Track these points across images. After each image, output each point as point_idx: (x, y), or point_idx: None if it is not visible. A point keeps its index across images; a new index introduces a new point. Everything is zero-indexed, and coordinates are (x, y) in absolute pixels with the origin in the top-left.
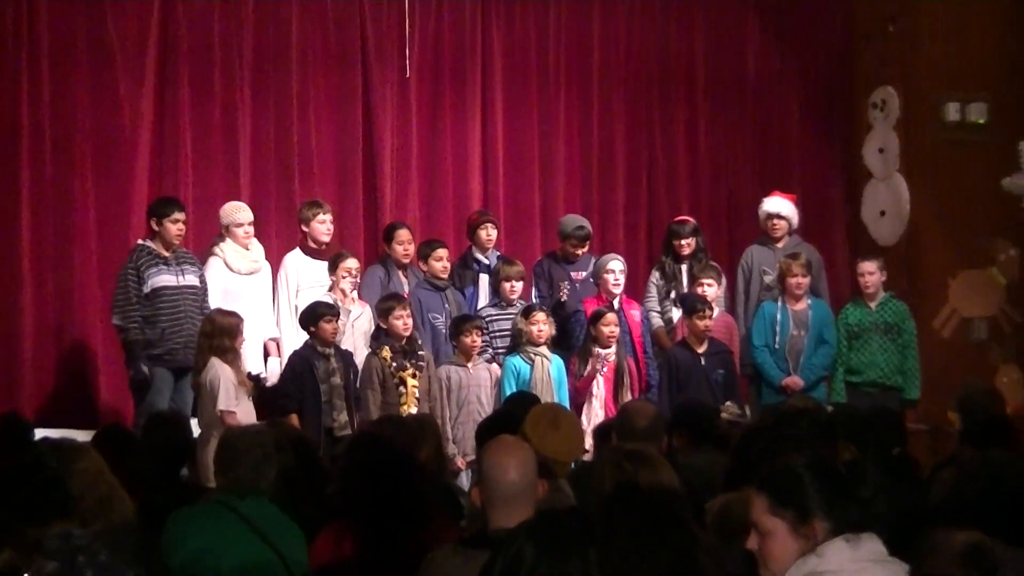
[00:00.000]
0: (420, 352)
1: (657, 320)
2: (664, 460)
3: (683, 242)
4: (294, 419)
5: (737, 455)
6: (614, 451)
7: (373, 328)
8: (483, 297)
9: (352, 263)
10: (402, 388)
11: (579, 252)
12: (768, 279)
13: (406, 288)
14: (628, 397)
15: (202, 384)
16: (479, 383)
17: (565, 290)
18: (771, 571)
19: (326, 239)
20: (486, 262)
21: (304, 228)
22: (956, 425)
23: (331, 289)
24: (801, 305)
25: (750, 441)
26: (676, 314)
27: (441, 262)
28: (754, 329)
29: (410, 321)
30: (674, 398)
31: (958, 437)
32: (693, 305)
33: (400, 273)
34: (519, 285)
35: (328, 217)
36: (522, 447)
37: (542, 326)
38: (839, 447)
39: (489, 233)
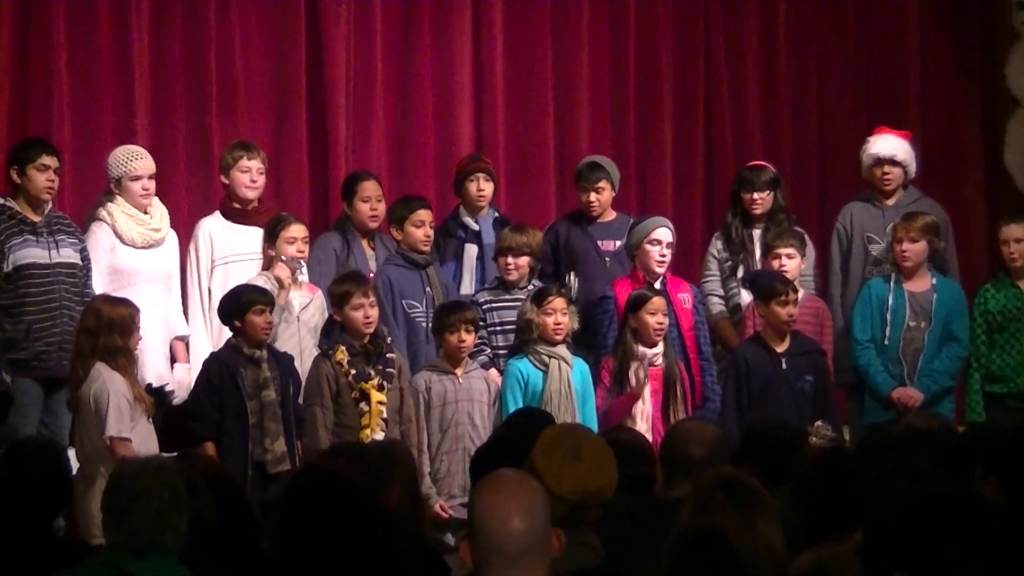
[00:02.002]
0: (389, 355)
1: (719, 307)
2: (772, 505)
3: (756, 197)
4: (211, 449)
5: (829, 495)
6: (711, 479)
7: (324, 321)
8: (467, 276)
9: (297, 230)
10: (364, 405)
11: (592, 203)
12: (875, 249)
13: (372, 265)
14: (681, 414)
15: (83, 400)
16: (471, 397)
17: (573, 282)
18: None
19: (254, 194)
20: (474, 227)
21: (225, 181)
22: None
23: (266, 267)
24: (922, 285)
25: (848, 476)
26: (746, 298)
27: (422, 228)
28: (856, 318)
29: (375, 311)
30: (743, 416)
31: None
32: (771, 286)
33: (364, 243)
34: (521, 262)
35: (258, 164)
36: (530, 486)
37: (560, 317)
38: (976, 483)
39: (480, 187)
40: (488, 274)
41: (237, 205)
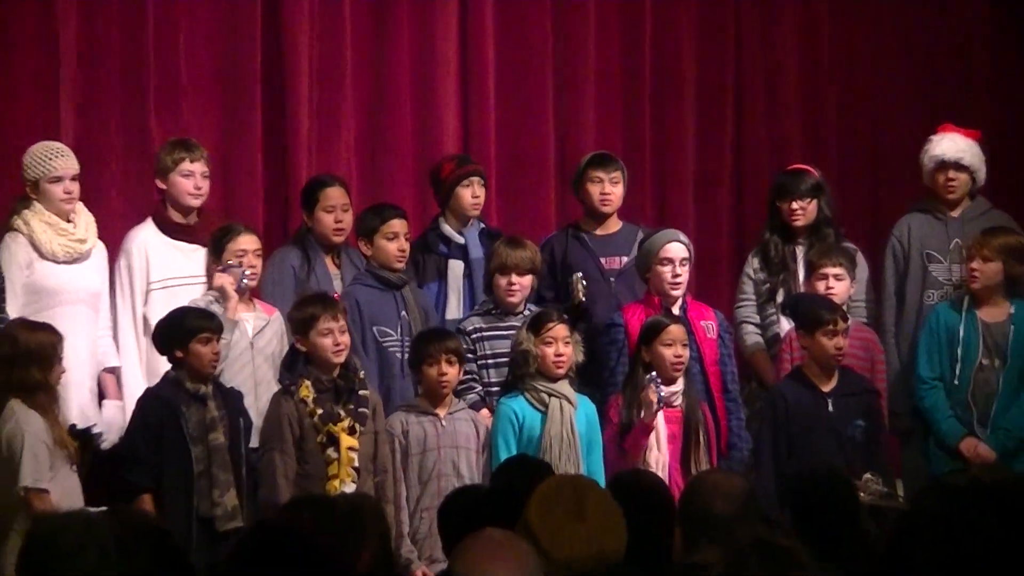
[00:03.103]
0: (363, 392)
1: (755, 337)
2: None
3: (796, 206)
4: (148, 502)
5: (883, 561)
6: (744, 542)
7: (284, 351)
8: (455, 299)
9: (247, 241)
10: (332, 451)
11: (608, 195)
12: (936, 270)
13: (337, 285)
14: (704, 464)
15: None
16: (456, 442)
17: (580, 285)
18: None
19: (197, 203)
20: (459, 240)
21: (162, 186)
22: None
23: (212, 287)
24: (997, 314)
25: (904, 539)
26: (786, 327)
27: (396, 241)
28: (921, 352)
29: (346, 338)
30: (780, 466)
31: None
32: (816, 313)
33: (327, 260)
34: (525, 281)
35: (202, 167)
36: (521, 549)
37: (562, 347)
38: None
39: (476, 192)
40: (476, 296)
41: (176, 217)
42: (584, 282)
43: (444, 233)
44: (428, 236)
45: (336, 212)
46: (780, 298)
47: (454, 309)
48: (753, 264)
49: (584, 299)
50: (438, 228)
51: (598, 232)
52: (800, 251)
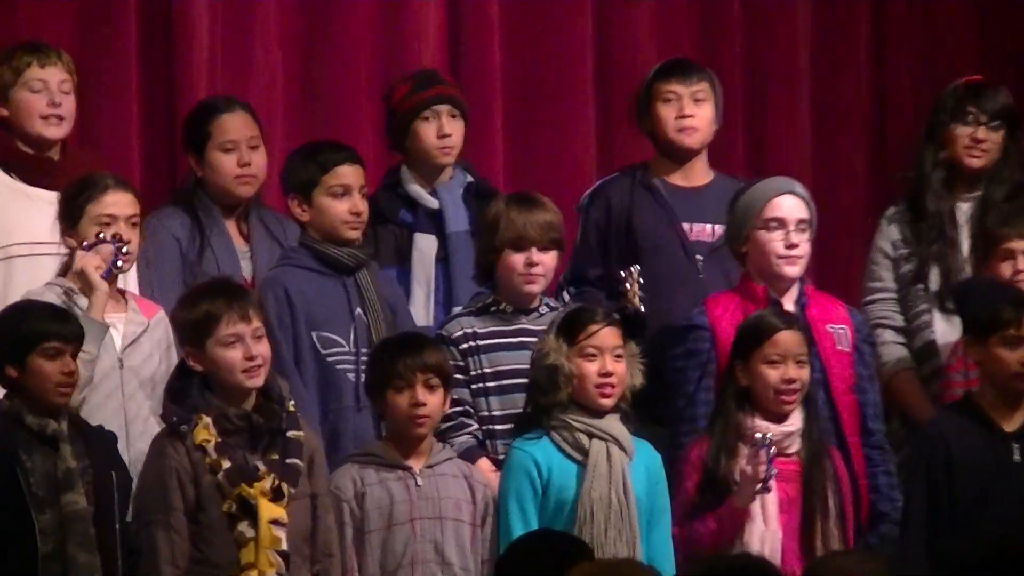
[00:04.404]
0: (293, 433)
1: (896, 347)
2: None
3: (980, 136)
4: None
5: None
6: None
7: (172, 368)
8: (420, 291)
9: (117, 201)
10: (246, 525)
11: (689, 117)
12: None
13: (247, 267)
14: (834, 542)
15: None
16: (441, 511)
17: (635, 275)
18: None
19: (57, 130)
20: (430, 203)
21: (3, 112)
22: None
23: (64, 272)
24: None
25: None
26: (944, 330)
27: (347, 199)
28: None
29: (264, 350)
30: (940, 544)
31: None
32: (995, 310)
33: (230, 227)
34: (549, 260)
35: (60, 75)
36: None
37: (611, 362)
38: None
39: (444, 129)
40: (458, 288)
41: (26, 149)
42: (641, 279)
43: (407, 193)
44: (382, 197)
45: (240, 151)
46: (934, 284)
47: (421, 308)
48: (890, 233)
49: (642, 306)
50: (399, 185)
51: (679, 182)
52: (965, 210)
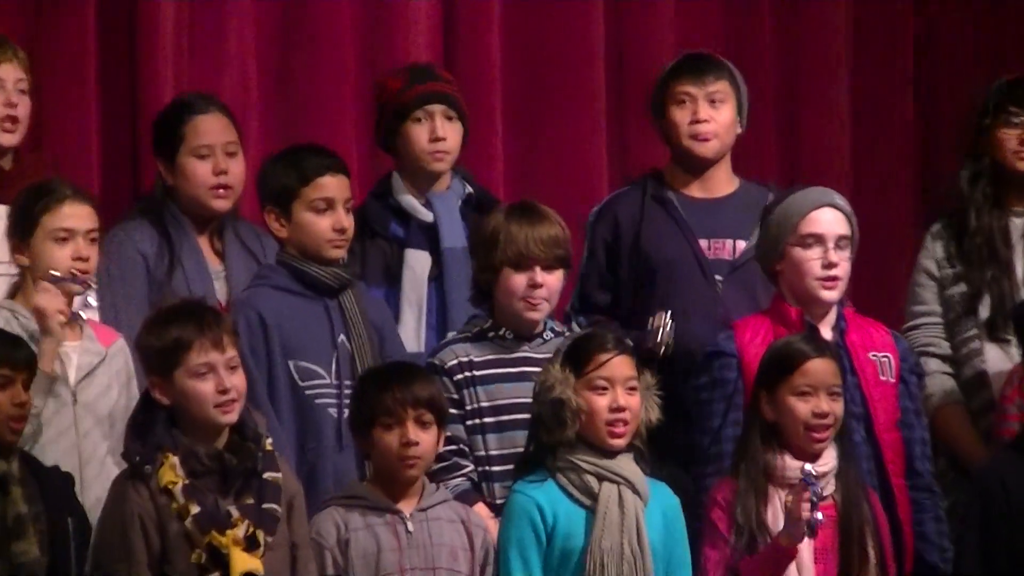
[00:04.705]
0: (269, 475)
1: (943, 378)
2: None
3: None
4: None
5: None
6: None
7: (134, 402)
8: (410, 314)
9: (75, 214)
10: None
11: (704, 122)
12: None
13: (221, 288)
14: None
15: None
16: (435, 560)
17: (668, 327)
18: None
19: (11, 137)
20: (424, 216)
21: None
22: None
23: (13, 293)
24: None
25: None
26: (996, 358)
27: (330, 213)
28: None
29: (239, 381)
30: None
31: None
32: None
33: (202, 243)
34: (553, 280)
35: (15, 74)
36: None
37: (624, 396)
38: None
39: (438, 132)
40: (452, 310)
41: None
42: (672, 322)
43: (398, 204)
44: (371, 208)
45: (215, 157)
46: (985, 310)
47: (411, 332)
48: (935, 252)
49: (670, 345)
50: (389, 194)
51: (696, 193)
52: (1019, 225)
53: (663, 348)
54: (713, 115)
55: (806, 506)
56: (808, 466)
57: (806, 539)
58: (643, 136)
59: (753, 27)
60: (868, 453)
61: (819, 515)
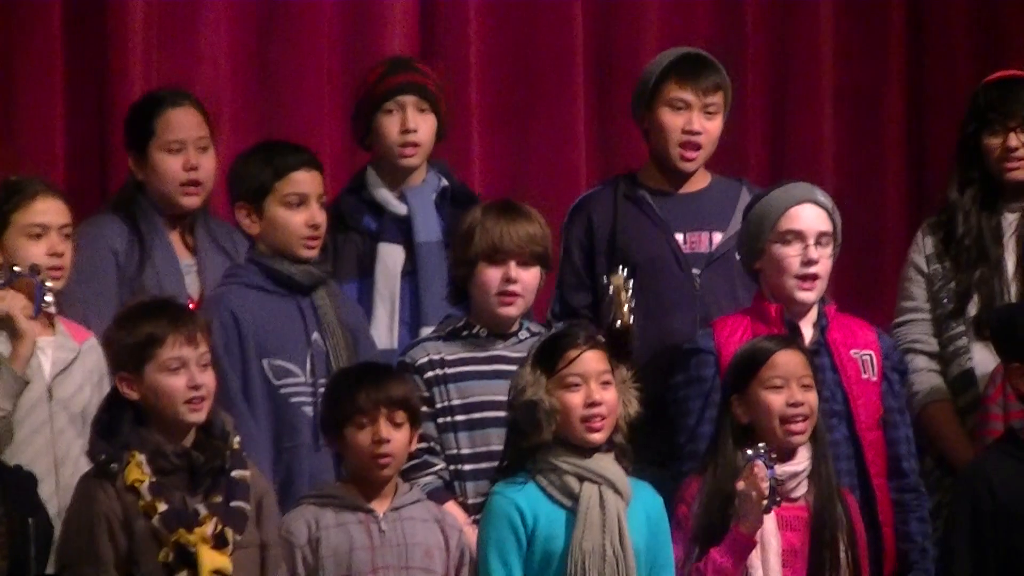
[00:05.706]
0: (237, 473)
1: (930, 375)
2: None
3: (1017, 142)
4: None
5: None
6: None
7: (101, 399)
8: (383, 310)
9: (46, 210)
10: None
11: (695, 132)
12: None
13: (193, 284)
14: None
15: None
16: (409, 560)
17: (624, 290)
18: None
19: None
20: (398, 209)
21: None
22: None
23: None
24: None
25: None
26: (984, 357)
27: (303, 209)
28: None
29: (209, 379)
30: None
31: None
32: None
33: (173, 238)
34: (530, 277)
35: None
36: None
37: (600, 391)
38: None
39: (409, 124)
40: (426, 306)
41: None
42: (631, 281)
43: (372, 197)
44: (344, 202)
45: (187, 152)
46: (973, 308)
47: (383, 327)
48: (925, 246)
49: (631, 317)
50: (363, 188)
51: (669, 189)
52: (1011, 222)
53: (624, 317)
54: (706, 127)
55: (764, 485)
56: (750, 450)
57: (774, 537)
58: (624, 134)
59: (738, 20)
60: (849, 452)
61: (775, 472)
